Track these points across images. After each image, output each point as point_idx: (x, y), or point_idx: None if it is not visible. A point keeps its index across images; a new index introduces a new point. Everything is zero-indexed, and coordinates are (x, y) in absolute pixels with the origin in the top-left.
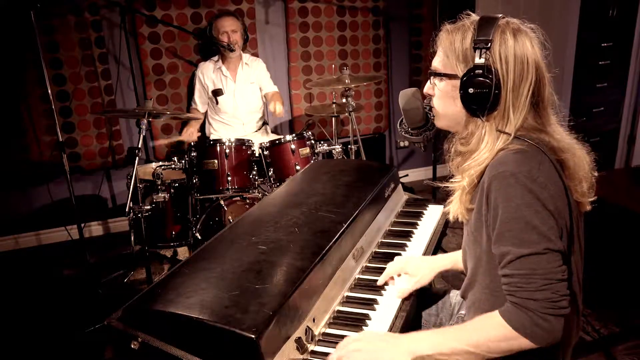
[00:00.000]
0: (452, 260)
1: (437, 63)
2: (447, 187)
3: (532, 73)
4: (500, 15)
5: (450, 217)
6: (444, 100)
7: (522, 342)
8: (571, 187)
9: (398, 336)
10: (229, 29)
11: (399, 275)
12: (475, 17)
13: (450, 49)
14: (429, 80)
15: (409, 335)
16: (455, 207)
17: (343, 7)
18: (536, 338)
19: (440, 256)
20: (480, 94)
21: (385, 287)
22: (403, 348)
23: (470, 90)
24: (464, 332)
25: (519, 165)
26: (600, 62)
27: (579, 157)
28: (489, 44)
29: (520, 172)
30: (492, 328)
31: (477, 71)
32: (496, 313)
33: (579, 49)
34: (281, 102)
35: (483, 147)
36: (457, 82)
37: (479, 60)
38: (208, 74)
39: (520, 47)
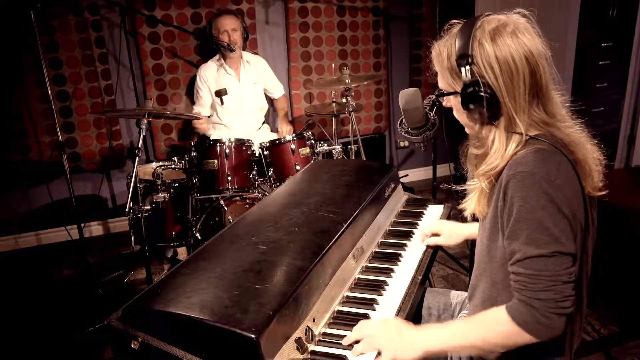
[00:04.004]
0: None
1: (440, 82)
2: (465, 190)
3: (522, 68)
4: (480, 15)
5: (467, 215)
6: (458, 113)
7: (525, 338)
8: (584, 185)
9: (411, 330)
10: (229, 27)
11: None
12: (456, 28)
13: (442, 68)
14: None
15: (421, 331)
16: (473, 206)
17: (343, 7)
18: (538, 334)
19: (467, 224)
20: (478, 107)
21: (385, 287)
22: (418, 343)
23: (471, 106)
24: (471, 327)
25: (538, 165)
26: (600, 62)
27: (588, 149)
28: (469, 58)
29: (538, 173)
30: (497, 324)
31: (468, 89)
32: (502, 308)
33: (579, 49)
34: (287, 117)
35: (494, 150)
36: (459, 97)
37: (465, 77)
38: (211, 74)
39: (500, 49)
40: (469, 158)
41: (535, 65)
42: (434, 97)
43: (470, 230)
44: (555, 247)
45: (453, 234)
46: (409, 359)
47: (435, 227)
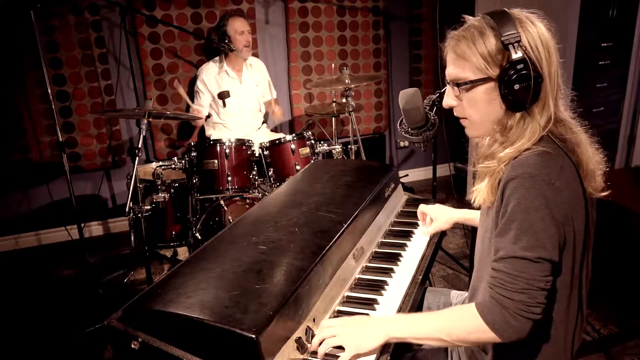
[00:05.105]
0: (466, 216)
1: (459, 72)
2: (477, 170)
3: (554, 55)
4: (503, 8)
5: (476, 203)
6: (478, 106)
7: (490, 336)
8: (586, 187)
9: (372, 318)
10: (246, 29)
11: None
12: (475, 18)
13: (472, 53)
14: (448, 93)
15: (386, 317)
16: (481, 194)
17: (343, 7)
18: (503, 334)
19: (457, 210)
20: (525, 88)
21: (385, 287)
22: (379, 329)
23: (516, 87)
24: (439, 319)
25: (539, 167)
26: (600, 62)
27: (591, 151)
28: (518, 37)
29: (539, 175)
30: (465, 319)
31: (518, 66)
32: (472, 305)
33: (579, 49)
34: (279, 106)
35: (527, 136)
36: (491, 84)
37: (516, 55)
38: (212, 75)
39: (541, 33)
40: (482, 151)
41: (556, 55)
42: (434, 97)
43: (457, 214)
44: (540, 253)
45: (442, 220)
46: (373, 347)
47: (427, 211)
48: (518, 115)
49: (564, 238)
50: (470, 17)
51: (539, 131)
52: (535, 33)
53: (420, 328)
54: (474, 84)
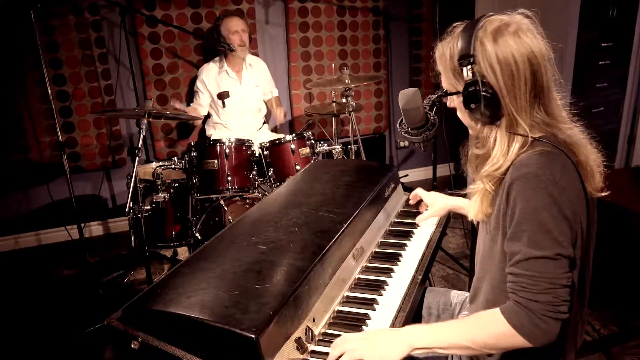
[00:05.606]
0: (460, 204)
1: (444, 83)
2: (468, 193)
3: (523, 69)
4: (482, 16)
5: (471, 218)
6: (461, 113)
7: (519, 341)
8: (586, 187)
9: (394, 330)
10: (240, 28)
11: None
12: (459, 29)
13: (445, 68)
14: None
15: (408, 328)
16: (476, 209)
17: (343, 7)
18: (533, 338)
19: (452, 197)
20: (480, 107)
21: (385, 287)
22: (402, 341)
23: (472, 106)
24: (463, 327)
25: (542, 167)
26: (600, 62)
27: (589, 150)
28: (471, 58)
29: (543, 175)
30: (491, 325)
31: (469, 88)
32: (497, 310)
33: (579, 49)
34: (281, 107)
35: (496, 151)
36: (461, 97)
37: (467, 77)
38: (212, 76)
39: (502, 49)
40: (469, 159)
41: (537, 65)
42: (434, 97)
43: (452, 201)
44: (557, 250)
45: (438, 206)
46: (396, 359)
47: (420, 195)
48: (488, 128)
49: (575, 234)
50: (458, 25)
51: (514, 144)
52: (492, 52)
53: (445, 336)
54: (452, 95)
